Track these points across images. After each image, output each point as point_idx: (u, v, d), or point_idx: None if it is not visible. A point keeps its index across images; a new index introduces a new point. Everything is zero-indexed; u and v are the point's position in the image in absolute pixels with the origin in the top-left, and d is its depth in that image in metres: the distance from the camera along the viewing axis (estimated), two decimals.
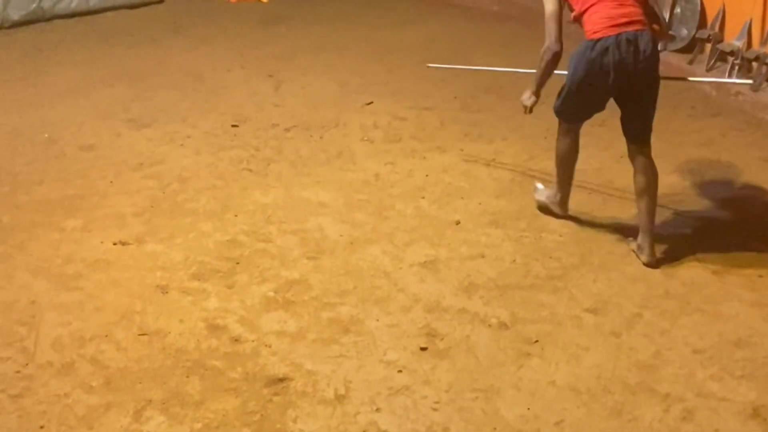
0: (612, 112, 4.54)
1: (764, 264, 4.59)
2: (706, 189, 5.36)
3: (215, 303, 4.29)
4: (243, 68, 7.40)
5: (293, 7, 8.99)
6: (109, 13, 8.66)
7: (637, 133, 4.45)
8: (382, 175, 5.55)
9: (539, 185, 5.14)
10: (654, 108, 4.41)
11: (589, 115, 4.58)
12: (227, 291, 4.38)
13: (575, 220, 5.01)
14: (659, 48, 4.40)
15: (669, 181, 5.45)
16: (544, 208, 5.02)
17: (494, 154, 5.83)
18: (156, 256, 4.68)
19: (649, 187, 4.51)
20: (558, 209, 4.95)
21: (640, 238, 4.61)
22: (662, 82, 4.43)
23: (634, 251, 4.64)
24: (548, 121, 6.19)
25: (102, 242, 4.81)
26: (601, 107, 4.48)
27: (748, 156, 5.78)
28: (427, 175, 5.54)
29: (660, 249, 4.71)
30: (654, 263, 4.55)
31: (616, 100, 4.45)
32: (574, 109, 4.55)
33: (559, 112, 4.64)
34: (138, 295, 4.35)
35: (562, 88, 4.54)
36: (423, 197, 5.29)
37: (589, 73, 4.30)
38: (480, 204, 5.21)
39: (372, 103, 6.65)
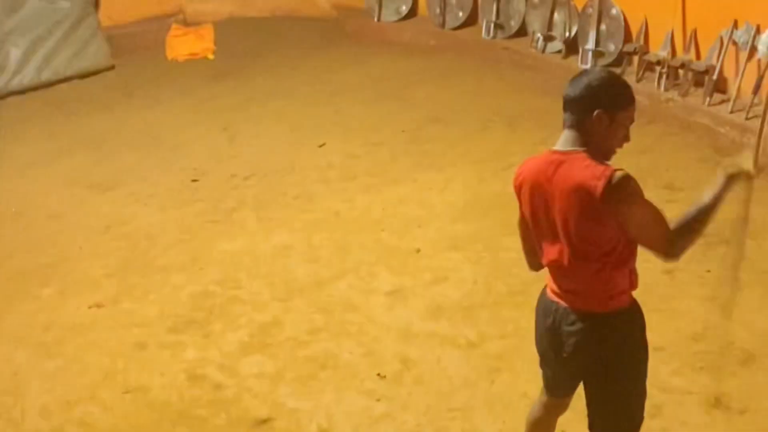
0: None
1: (710, 259, 4.78)
2: (649, 192, 5.45)
3: (193, 353, 4.40)
4: (198, 124, 7.50)
5: (239, 60, 9.09)
6: (61, 85, 8.72)
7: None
8: (342, 213, 5.70)
9: None
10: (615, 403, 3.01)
11: (550, 387, 3.23)
12: (204, 340, 4.50)
13: None
14: None
15: None
16: None
17: (446, 180, 6.00)
18: (132, 314, 4.78)
19: None
20: None
21: None
22: None
23: None
24: (495, 143, 6.43)
25: (78, 307, 4.90)
26: (555, 383, 3.21)
27: (685, 158, 6.01)
28: (384, 209, 5.70)
29: None
30: None
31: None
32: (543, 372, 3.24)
33: None
34: (118, 354, 4.45)
35: None
36: (383, 230, 5.44)
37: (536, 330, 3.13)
38: (438, 230, 5.37)
39: (324, 144, 6.79)
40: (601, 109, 2.67)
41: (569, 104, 2.73)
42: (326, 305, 4.71)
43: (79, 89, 8.65)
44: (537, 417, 3.30)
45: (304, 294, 4.83)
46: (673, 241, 2.73)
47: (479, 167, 6.14)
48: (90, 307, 4.88)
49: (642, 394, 2.98)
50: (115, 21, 9.56)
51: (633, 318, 2.91)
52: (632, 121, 2.77)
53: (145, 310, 4.81)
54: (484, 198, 5.71)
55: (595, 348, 2.88)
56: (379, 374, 4.12)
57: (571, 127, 2.74)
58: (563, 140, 2.75)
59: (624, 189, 2.64)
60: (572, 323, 2.87)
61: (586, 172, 2.66)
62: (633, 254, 2.86)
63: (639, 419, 2.99)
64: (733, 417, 3.68)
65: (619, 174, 2.64)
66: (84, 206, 6.14)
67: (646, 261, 4.73)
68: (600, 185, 2.61)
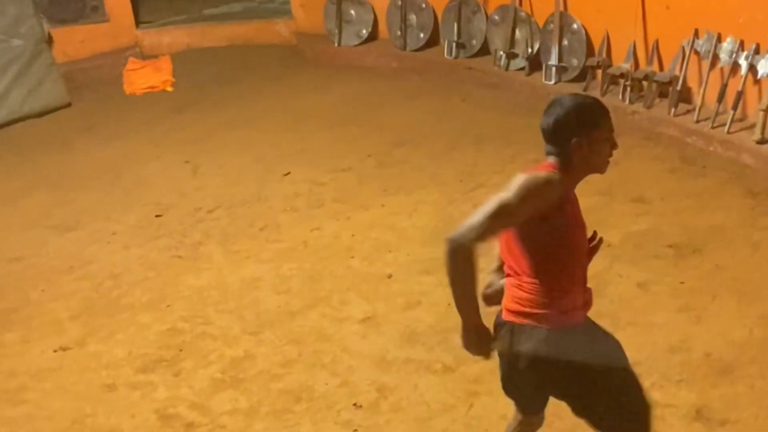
0: None
1: (683, 270, 4.79)
2: (620, 206, 5.56)
3: (164, 393, 4.31)
4: (159, 158, 7.39)
5: (199, 91, 8.99)
6: (17, 125, 8.55)
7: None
8: (310, 241, 5.63)
9: None
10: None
11: (525, 407, 3.37)
12: (174, 379, 4.40)
13: None
14: None
15: (585, 203, 5.61)
16: None
17: (415, 204, 5.96)
18: (99, 356, 4.68)
19: None
20: None
21: None
22: None
23: None
24: (462, 164, 6.40)
25: (42, 351, 4.78)
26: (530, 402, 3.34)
27: (654, 169, 6.02)
28: (353, 235, 5.64)
29: None
30: None
31: None
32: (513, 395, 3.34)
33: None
34: (86, 397, 4.34)
35: None
36: (353, 257, 5.38)
37: None
38: (408, 255, 5.31)
39: (290, 173, 6.72)
40: (576, 137, 2.74)
41: (546, 137, 2.82)
42: (298, 336, 4.63)
43: (36, 128, 8.51)
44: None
45: (275, 326, 4.75)
46: (462, 233, 2.69)
47: (448, 189, 6.11)
48: (55, 351, 4.76)
49: (614, 391, 2.98)
50: (70, 57, 9.43)
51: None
52: (612, 131, 2.84)
53: (112, 351, 4.70)
54: (455, 220, 5.60)
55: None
56: (355, 404, 4.05)
57: (553, 154, 2.82)
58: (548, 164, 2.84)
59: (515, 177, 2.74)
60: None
61: None
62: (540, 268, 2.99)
63: (637, 411, 3.01)
64: (715, 429, 3.66)
65: (534, 172, 2.76)
66: (45, 247, 6.01)
67: (619, 275, 4.77)
68: None
